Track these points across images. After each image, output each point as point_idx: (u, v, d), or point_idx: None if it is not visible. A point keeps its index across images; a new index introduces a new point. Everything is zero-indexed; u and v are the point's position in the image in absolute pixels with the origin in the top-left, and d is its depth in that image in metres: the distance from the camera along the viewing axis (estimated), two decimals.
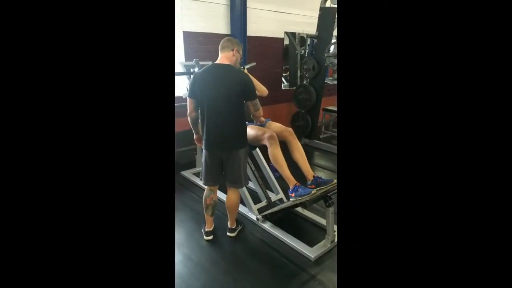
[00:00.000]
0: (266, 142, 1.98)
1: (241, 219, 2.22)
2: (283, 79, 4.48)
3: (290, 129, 2.15)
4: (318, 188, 1.90)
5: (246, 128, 1.84)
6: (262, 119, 2.02)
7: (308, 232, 2.11)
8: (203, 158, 1.83)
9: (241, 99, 1.72)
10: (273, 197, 2.49)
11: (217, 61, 1.76)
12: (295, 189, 1.89)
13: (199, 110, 1.79)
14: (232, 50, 1.76)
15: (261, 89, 2.33)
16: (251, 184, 2.52)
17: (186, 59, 3.23)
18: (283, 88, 4.48)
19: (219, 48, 1.77)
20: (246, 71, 2.37)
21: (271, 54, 4.11)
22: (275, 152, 1.97)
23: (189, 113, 1.82)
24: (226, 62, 1.74)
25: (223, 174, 1.86)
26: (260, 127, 2.12)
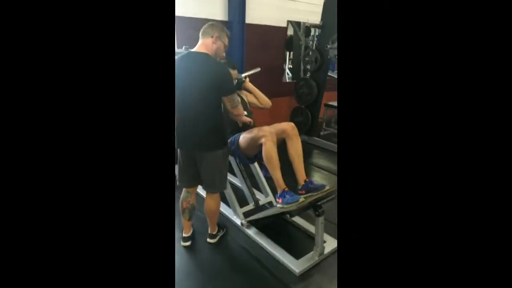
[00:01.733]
0: (262, 140, 1.74)
1: (225, 222, 2.04)
2: (288, 71, 4.24)
3: (293, 124, 1.91)
4: (308, 195, 1.69)
5: (223, 127, 1.62)
6: (244, 118, 1.79)
7: (297, 242, 1.93)
8: (178, 157, 1.64)
9: (216, 93, 1.49)
10: (262, 199, 2.30)
11: (194, 49, 1.54)
12: (282, 195, 1.69)
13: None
14: (212, 37, 1.52)
15: (264, 101, 2.11)
16: (238, 182, 2.33)
17: (178, 47, 3.01)
18: (284, 81, 4.24)
19: (200, 33, 1.55)
20: (248, 80, 2.14)
21: (272, 44, 3.86)
22: (270, 149, 1.71)
23: None
24: (203, 50, 1.51)
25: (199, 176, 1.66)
26: (256, 127, 1.88)
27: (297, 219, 2.07)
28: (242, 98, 2.11)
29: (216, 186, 1.66)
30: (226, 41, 1.57)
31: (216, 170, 1.61)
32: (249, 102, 2.16)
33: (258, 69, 2.44)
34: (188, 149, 1.60)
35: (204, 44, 1.52)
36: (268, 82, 3.83)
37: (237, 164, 2.14)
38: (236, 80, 2.06)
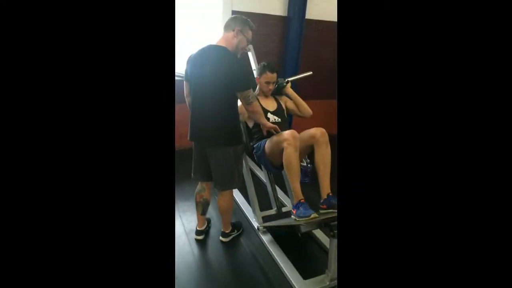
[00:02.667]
0: (284, 144, 1.61)
1: (243, 223, 1.97)
2: None
3: (324, 130, 1.72)
4: (326, 211, 1.51)
5: (236, 124, 1.54)
6: (265, 121, 1.65)
7: (311, 258, 1.75)
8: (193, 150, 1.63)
9: (229, 89, 1.42)
10: (289, 204, 2.16)
11: (215, 42, 1.49)
12: (297, 206, 1.54)
13: None
14: (233, 31, 1.45)
15: (304, 109, 1.98)
16: (264, 178, 2.21)
17: None
18: None
19: (222, 27, 1.49)
20: (289, 85, 2.00)
21: (332, 41, 3.60)
22: (291, 155, 1.55)
23: (185, 97, 1.62)
24: (223, 44, 1.45)
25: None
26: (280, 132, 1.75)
27: (319, 234, 1.88)
28: (280, 104, 1.99)
29: (225, 184, 1.60)
30: (249, 34, 1.49)
31: (225, 168, 1.55)
32: (287, 109, 2.03)
33: (310, 73, 2.25)
34: (199, 143, 1.57)
35: (224, 38, 1.47)
36: (326, 81, 3.60)
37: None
38: (276, 85, 1.95)
